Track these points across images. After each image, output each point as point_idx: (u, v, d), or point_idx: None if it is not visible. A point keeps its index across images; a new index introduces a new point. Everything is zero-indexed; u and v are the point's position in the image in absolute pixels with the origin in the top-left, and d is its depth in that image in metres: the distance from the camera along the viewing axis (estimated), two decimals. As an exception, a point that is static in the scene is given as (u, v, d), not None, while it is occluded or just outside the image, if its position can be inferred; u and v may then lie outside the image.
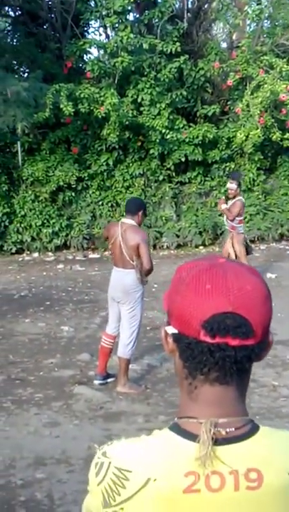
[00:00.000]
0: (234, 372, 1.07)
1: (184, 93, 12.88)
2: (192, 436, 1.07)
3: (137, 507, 1.06)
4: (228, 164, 13.76)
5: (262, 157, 13.86)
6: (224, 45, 15.41)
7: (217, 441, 1.06)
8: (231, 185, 9.20)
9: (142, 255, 5.38)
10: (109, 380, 5.83)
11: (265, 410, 5.10)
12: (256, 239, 13.83)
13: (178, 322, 1.10)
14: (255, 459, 1.08)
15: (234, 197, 9.25)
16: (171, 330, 1.13)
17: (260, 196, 13.98)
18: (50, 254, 13.08)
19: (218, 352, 1.05)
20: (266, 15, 13.43)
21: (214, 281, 1.07)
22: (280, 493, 1.08)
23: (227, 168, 13.67)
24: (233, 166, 13.79)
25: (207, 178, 13.81)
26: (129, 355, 5.64)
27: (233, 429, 1.08)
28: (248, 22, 13.99)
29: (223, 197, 9.25)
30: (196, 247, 13.51)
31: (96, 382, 5.81)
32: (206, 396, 1.10)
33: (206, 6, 14.10)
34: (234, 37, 15.04)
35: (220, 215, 9.29)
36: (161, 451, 1.08)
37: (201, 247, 13.43)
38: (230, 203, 9.27)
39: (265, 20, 13.94)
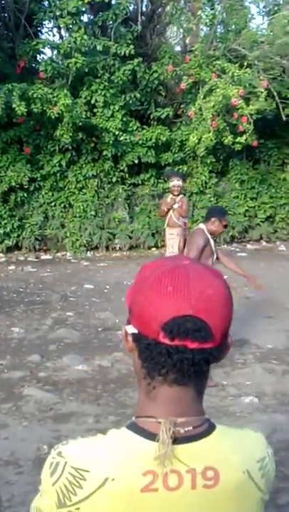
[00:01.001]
0: (192, 373, 1.08)
1: (138, 95, 12.95)
2: (151, 436, 1.08)
3: (93, 507, 1.06)
4: (180, 167, 13.89)
5: (214, 160, 14.06)
6: (178, 48, 15.54)
7: (176, 440, 1.07)
8: (178, 182, 9.30)
9: (188, 255, 5.37)
10: None
11: (213, 409, 5.17)
12: (208, 241, 13.98)
13: (138, 322, 1.11)
14: (212, 458, 1.09)
15: (178, 194, 9.37)
16: (131, 329, 1.13)
17: (212, 199, 14.15)
18: (1, 255, 12.93)
19: (177, 354, 1.06)
20: (219, 20, 13.61)
21: (176, 283, 1.07)
22: (236, 491, 1.10)
23: (180, 171, 13.79)
24: (185, 169, 13.93)
25: (160, 180, 13.91)
26: None
27: (191, 428, 1.09)
28: (201, 26, 14.16)
29: (171, 195, 9.32)
30: (149, 248, 13.59)
31: None
32: (165, 396, 1.11)
33: (159, 10, 14.21)
34: (188, 41, 15.19)
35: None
36: (119, 451, 1.08)
37: (153, 249, 13.51)
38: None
39: (218, 25, 14.12)
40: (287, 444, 4.52)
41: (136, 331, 1.12)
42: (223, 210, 6.00)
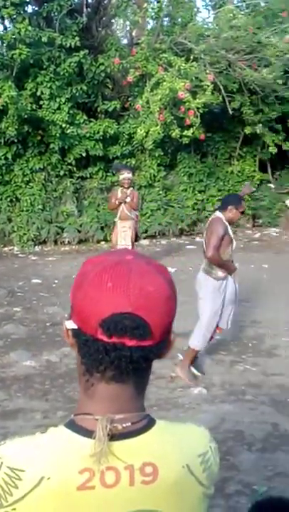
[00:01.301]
0: (130, 371, 1.07)
1: (84, 88, 12.82)
2: (88, 433, 1.06)
3: (30, 506, 1.04)
4: (129, 160, 13.85)
5: (162, 153, 14.09)
6: (124, 41, 15.48)
7: (113, 437, 1.06)
8: (128, 174, 9.31)
9: (209, 244, 5.44)
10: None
11: (162, 401, 5.19)
12: (157, 234, 14.05)
13: (78, 318, 1.09)
14: (150, 453, 1.08)
15: (128, 187, 9.38)
16: (70, 325, 1.12)
17: (160, 192, 14.19)
18: None
19: (114, 352, 1.05)
20: (165, 13, 13.62)
21: (116, 279, 1.06)
22: (175, 486, 1.10)
23: (128, 164, 13.76)
24: (134, 162, 13.90)
25: (108, 174, 13.83)
26: (200, 347, 5.66)
27: (130, 423, 1.09)
28: (148, 19, 14.14)
29: (120, 188, 9.32)
30: (98, 242, 13.52)
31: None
32: (102, 393, 1.09)
33: (105, 2, 14.09)
34: (134, 34, 15.15)
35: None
36: (56, 449, 1.07)
37: (102, 243, 13.45)
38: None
39: (165, 19, 14.14)
40: (235, 434, 4.58)
41: (76, 327, 1.10)
42: (238, 198, 6.06)
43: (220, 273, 5.57)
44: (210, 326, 5.64)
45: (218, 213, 5.71)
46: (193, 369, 5.70)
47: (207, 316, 5.64)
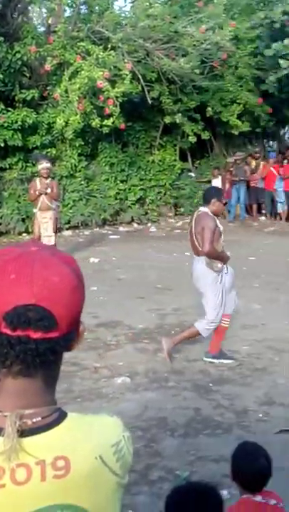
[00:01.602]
0: (38, 364, 1.04)
1: (1, 76, 12.51)
2: None
3: None
4: (49, 150, 13.65)
5: (83, 143, 13.98)
6: (41, 29, 15.19)
7: (23, 433, 1.03)
8: (47, 164, 9.22)
9: (203, 239, 5.51)
10: (219, 361, 5.76)
11: (86, 392, 5.17)
12: (80, 224, 13.96)
13: None
14: (62, 447, 1.07)
15: (48, 177, 9.27)
16: None
17: (82, 182, 14.09)
18: None
19: (19, 345, 1.02)
20: (82, 1, 13.47)
21: (20, 271, 1.03)
22: (89, 477, 1.08)
23: (48, 154, 13.57)
24: (54, 152, 13.73)
25: (28, 164, 13.58)
26: (205, 333, 5.75)
27: (40, 418, 1.06)
28: (64, 7, 13.93)
29: (40, 179, 9.20)
30: (20, 234, 13.28)
31: (207, 359, 5.79)
32: (10, 389, 1.06)
33: (20, -12, 13.77)
34: (50, 21, 14.88)
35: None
36: None
37: (24, 234, 13.22)
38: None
39: (81, 6, 13.99)
40: (158, 421, 4.62)
41: None
42: (219, 190, 6.17)
43: (219, 265, 5.67)
44: (216, 318, 5.72)
45: (202, 208, 5.76)
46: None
47: (212, 309, 5.70)
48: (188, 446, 4.23)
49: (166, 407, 4.86)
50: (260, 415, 4.71)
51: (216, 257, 5.62)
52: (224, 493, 3.58)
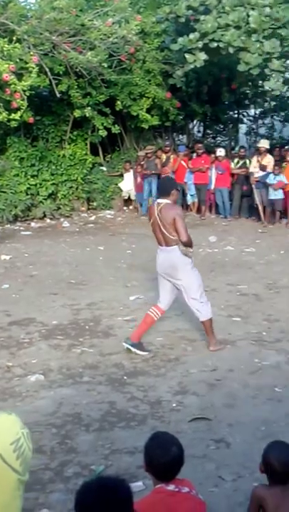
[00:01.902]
0: None
1: None
2: None
3: None
4: None
5: (-10, 138, 13.62)
6: None
7: None
8: None
9: (178, 229, 5.63)
10: (135, 350, 5.84)
11: (-1, 392, 5.06)
12: (-10, 221, 13.62)
13: None
14: None
15: None
16: None
17: (-9, 177, 13.73)
18: None
19: None
20: (-16, -9, 13.07)
21: None
22: None
23: None
24: None
25: None
26: (208, 314, 5.86)
27: None
28: None
29: None
30: None
31: (125, 345, 5.87)
32: None
33: None
34: None
35: None
36: None
37: None
38: None
39: (-16, -2, 13.57)
40: (73, 417, 4.60)
41: None
42: (174, 179, 6.66)
43: (191, 250, 5.89)
44: (202, 295, 5.89)
45: (163, 200, 5.78)
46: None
47: (196, 289, 5.83)
48: (103, 440, 4.23)
49: (81, 403, 4.84)
50: (174, 405, 4.79)
51: (191, 243, 5.82)
52: (139, 484, 3.63)
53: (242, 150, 14.48)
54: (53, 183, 14.80)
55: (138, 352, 5.84)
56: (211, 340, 5.96)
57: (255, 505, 2.93)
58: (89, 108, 13.67)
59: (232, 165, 14.16)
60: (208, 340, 5.98)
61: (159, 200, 5.87)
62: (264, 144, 13.60)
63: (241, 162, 14.06)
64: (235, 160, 14.21)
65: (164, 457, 2.76)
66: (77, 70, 12.69)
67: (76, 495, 2.16)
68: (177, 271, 5.80)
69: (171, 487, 2.74)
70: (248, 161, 13.91)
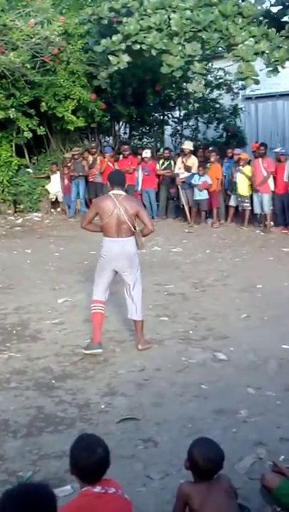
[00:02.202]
0: None
1: None
2: None
3: None
4: None
5: None
6: None
7: None
8: None
9: (144, 219, 5.83)
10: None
11: None
12: None
13: None
14: None
15: None
16: None
17: None
18: None
19: None
20: None
21: None
22: None
23: None
24: None
25: None
26: (143, 316, 5.99)
27: None
28: None
29: None
30: None
31: (99, 351, 5.82)
32: None
33: None
34: None
35: None
36: None
37: None
38: None
39: None
40: (0, 424, 4.52)
41: None
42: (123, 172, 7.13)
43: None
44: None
45: (119, 192, 5.81)
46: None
47: (140, 284, 6.01)
48: (31, 446, 4.20)
49: (9, 409, 4.78)
50: (103, 406, 4.80)
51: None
52: (67, 488, 3.63)
53: (166, 151, 14.66)
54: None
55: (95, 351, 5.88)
56: (141, 339, 6.01)
57: (181, 502, 2.99)
58: (13, 109, 13.49)
59: (157, 166, 14.33)
60: (138, 339, 6.03)
61: (116, 192, 5.82)
62: (188, 145, 13.85)
63: (166, 163, 14.25)
64: (161, 161, 14.39)
65: (89, 459, 2.77)
66: (0, 70, 12.48)
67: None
68: (132, 262, 5.88)
69: (97, 489, 2.76)
70: (172, 162, 14.11)
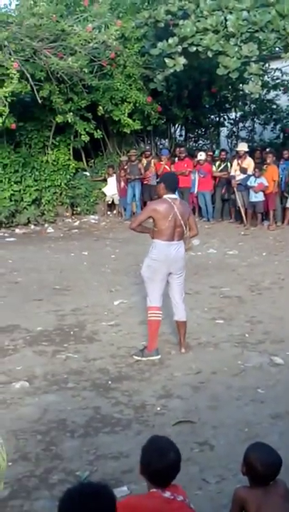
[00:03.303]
0: None
1: None
2: None
3: None
4: None
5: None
6: None
7: None
8: None
9: (193, 223, 6.02)
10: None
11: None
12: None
13: None
14: None
15: None
16: None
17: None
18: None
19: None
20: None
21: None
22: None
23: None
24: None
25: None
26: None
27: None
28: None
29: None
30: None
31: (157, 357, 5.85)
32: None
33: None
34: None
35: None
36: None
37: None
38: None
39: None
40: (58, 423, 4.61)
41: None
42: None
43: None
44: None
45: (175, 196, 6.01)
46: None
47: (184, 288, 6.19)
48: (88, 446, 4.26)
49: (66, 409, 4.86)
50: (158, 409, 4.82)
51: None
52: (124, 489, 3.66)
53: (223, 153, 14.57)
54: (37, 189, 14.81)
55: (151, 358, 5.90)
56: (184, 343, 6.07)
57: (237, 507, 2.97)
58: (71, 113, 13.73)
59: (214, 168, 14.27)
60: (183, 342, 6.06)
61: (172, 196, 5.92)
62: (242, 147, 13.73)
63: (223, 165, 14.18)
64: (217, 163, 14.32)
65: (161, 462, 2.77)
66: (59, 75, 12.73)
67: (59, 503, 2.19)
68: (182, 264, 5.96)
69: (167, 494, 2.75)
70: (229, 164, 14.02)
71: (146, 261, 5.94)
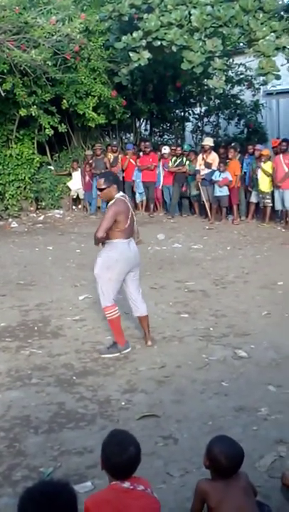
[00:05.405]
0: None
1: None
2: None
3: None
4: None
5: None
6: None
7: None
8: None
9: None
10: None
11: None
12: None
13: None
14: None
15: None
16: None
17: None
18: None
19: None
20: None
21: None
22: None
23: None
24: None
25: None
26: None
27: None
28: None
29: None
30: None
31: (128, 350, 5.89)
32: None
33: None
34: None
35: None
36: None
37: None
38: None
39: None
40: (22, 420, 4.57)
41: None
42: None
43: None
44: None
45: (123, 194, 5.93)
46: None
47: None
48: (52, 442, 4.23)
49: (30, 405, 4.82)
50: (123, 403, 4.82)
51: None
52: (88, 484, 3.66)
53: (178, 148, 14.50)
54: (0, 183, 14.62)
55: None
56: (150, 336, 6.12)
57: (198, 500, 2.99)
58: (35, 107, 13.58)
59: (170, 164, 14.28)
60: (148, 335, 6.08)
61: (123, 194, 5.89)
62: (208, 141, 13.80)
63: (179, 160, 14.19)
64: (173, 158, 14.33)
65: (121, 456, 2.78)
66: (22, 68, 12.54)
67: (19, 502, 2.16)
68: (138, 261, 5.96)
69: (126, 484, 2.77)
70: (184, 159, 14.07)
71: (104, 262, 5.76)
